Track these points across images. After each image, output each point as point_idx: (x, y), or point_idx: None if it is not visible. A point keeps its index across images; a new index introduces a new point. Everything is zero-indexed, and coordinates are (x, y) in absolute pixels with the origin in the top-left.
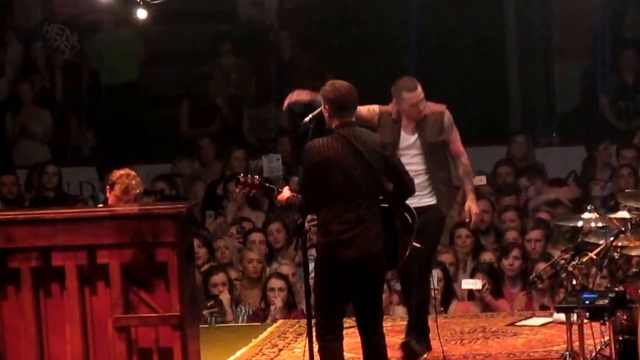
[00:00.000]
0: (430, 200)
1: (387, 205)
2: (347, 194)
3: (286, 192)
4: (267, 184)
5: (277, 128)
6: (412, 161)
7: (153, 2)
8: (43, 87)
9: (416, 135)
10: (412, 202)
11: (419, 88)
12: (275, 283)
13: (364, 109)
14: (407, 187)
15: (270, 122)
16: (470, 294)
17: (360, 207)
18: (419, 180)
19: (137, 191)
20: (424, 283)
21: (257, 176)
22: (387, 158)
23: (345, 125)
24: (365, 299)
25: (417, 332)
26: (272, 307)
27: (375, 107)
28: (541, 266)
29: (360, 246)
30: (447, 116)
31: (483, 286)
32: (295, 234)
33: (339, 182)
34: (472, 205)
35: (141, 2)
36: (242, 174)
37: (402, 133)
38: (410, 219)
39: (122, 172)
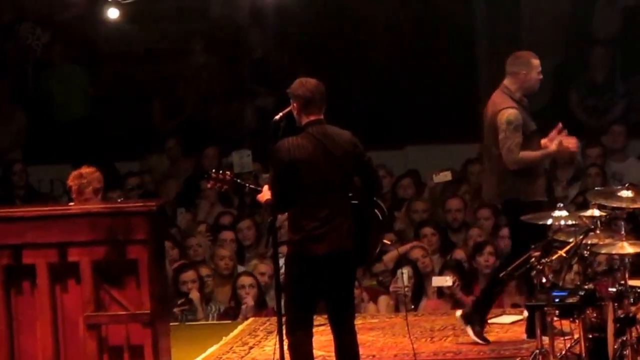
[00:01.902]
0: None
1: (357, 202)
2: (318, 191)
3: (267, 193)
4: (238, 180)
5: (248, 126)
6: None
7: (124, 1)
8: (16, 85)
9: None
10: None
11: None
12: (246, 280)
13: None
14: (377, 184)
15: (241, 120)
16: (440, 291)
17: (331, 204)
18: None
19: (91, 187)
20: None
21: (228, 172)
22: (357, 155)
23: (314, 123)
24: (336, 295)
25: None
26: (243, 307)
27: (511, 114)
28: None
29: (332, 242)
30: None
31: (453, 282)
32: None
33: (309, 180)
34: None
35: (112, 1)
36: (214, 170)
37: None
38: (380, 216)
39: (74, 173)
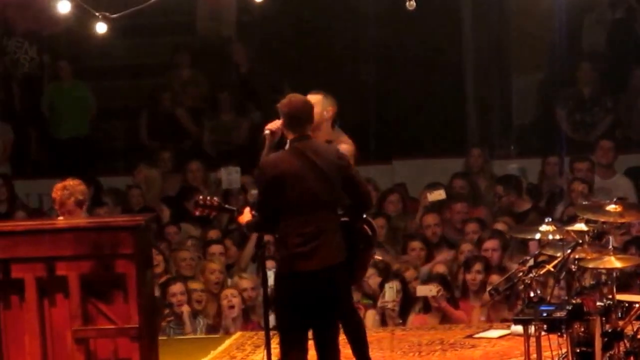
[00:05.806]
0: None
1: (346, 218)
2: (305, 207)
3: (247, 215)
4: (225, 205)
5: (235, 141)
6: None
7: (112, 15)
8: (5, 99)
9: None
10: None
11: None
12: (230, 292)
13: None
14: (365, 199)
15: (229, 134)
16: (427, 305)
17: (319, 219)
18: None
19: (72, 199)
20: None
21: (215, 198)
22: (343, 169)
23: (301, 139)
24: (326, 312)
25: None
26: (225, 319)
27: None
28: (495, 278)
29: (320, 258)
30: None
31: (438, 292)
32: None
33: (296, 195)
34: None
35: (100, 16)
36: (201, 197)
37: None
38: (370, 231)
39: (58, 185)
